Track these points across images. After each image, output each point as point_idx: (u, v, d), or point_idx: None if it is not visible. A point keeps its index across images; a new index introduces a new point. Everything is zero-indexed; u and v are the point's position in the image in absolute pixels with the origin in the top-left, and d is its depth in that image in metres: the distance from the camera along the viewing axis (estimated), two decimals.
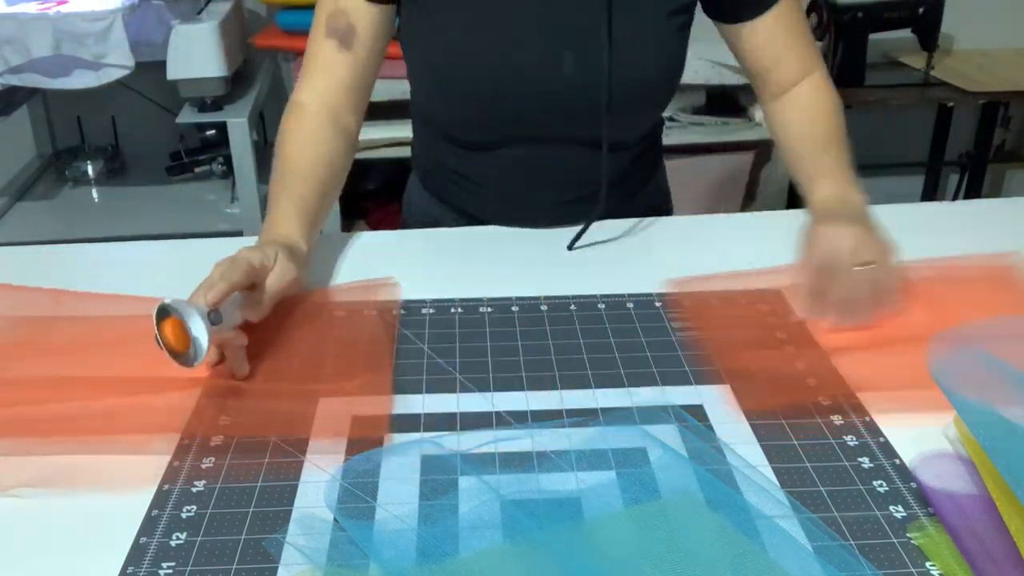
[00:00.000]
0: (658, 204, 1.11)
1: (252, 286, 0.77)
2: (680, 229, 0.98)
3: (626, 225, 1.00)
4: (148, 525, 0.58)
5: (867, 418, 0.68)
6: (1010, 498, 0.55)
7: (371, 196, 2.39)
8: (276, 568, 0.54)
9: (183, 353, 0.69)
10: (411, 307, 0.84)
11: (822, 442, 0.65)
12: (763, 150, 2.39)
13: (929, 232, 1.00)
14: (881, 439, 0.65)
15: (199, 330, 0.68)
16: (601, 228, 0.98)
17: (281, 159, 0.95)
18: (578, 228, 0.96)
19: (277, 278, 0.79)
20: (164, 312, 0.68)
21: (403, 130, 2.04)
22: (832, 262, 0.81)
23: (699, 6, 0.98)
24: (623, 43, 0.91)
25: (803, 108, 1.04)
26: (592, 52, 0.91)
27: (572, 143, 0.97)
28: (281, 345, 0.77)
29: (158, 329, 0.68)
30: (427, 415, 0.68)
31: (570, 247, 0.94)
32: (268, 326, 0.78)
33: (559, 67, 0.92)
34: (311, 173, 0.94)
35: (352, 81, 0.97)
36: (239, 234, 1.94)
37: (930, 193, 2.69)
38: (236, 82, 2.04)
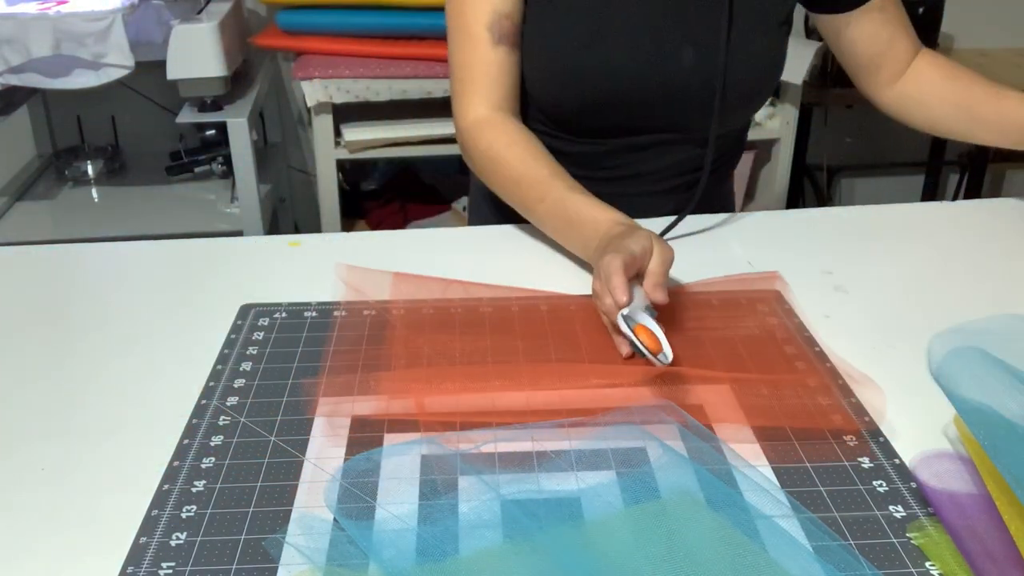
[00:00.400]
0: (726, 201, 1.17)
1: (636, 275, 0.78)
2: (680, 229, 0.98)
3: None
4: (148, 525, 0.58)
5: (867, 418, 0.68)
6: (1010, 498, 0.55)
7: (371, 196, 2.40)
8: (276, 568, 0.54)
9: (658, 354, 0.73)
10: (412, 307, 0.84)
11: (822, 442, 0.65)
12: (763, 150, 2.39)
13: (929, 232, 1.01)
14: (881, 439, 0.65)
15: (659, 330, 0.74)
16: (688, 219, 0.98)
17: (519, 170, 0.92)
18: (659, 221, 0.98)
19: (660, 255, 0.79)
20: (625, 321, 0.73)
21: (403, 130, 2.05)
22: None
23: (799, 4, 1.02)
24: (740, 46, 0.96)
25: (938, 70, 1.05)
26: (710, 52, 0.95)
27: (679, 134, 1.01)
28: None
29: (636, 336, 0.72)
30: (427, 415, 0.68)
31: (661, 234, 0.94)
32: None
33: (678, 66, 0.96)
34: (556, 171, 0.92)
35: (518, 84, 0.99)
36: (239, 234, 1.94)
37: (930, 193, 2.69)
38: (236, 82, 2.04)
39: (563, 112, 1.01)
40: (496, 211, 1.08)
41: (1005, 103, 1.00)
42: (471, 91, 0.96)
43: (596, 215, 0.86)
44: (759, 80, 1.01)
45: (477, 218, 1.16)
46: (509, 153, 0.93)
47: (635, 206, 0.99)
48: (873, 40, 1.04)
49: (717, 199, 1.12)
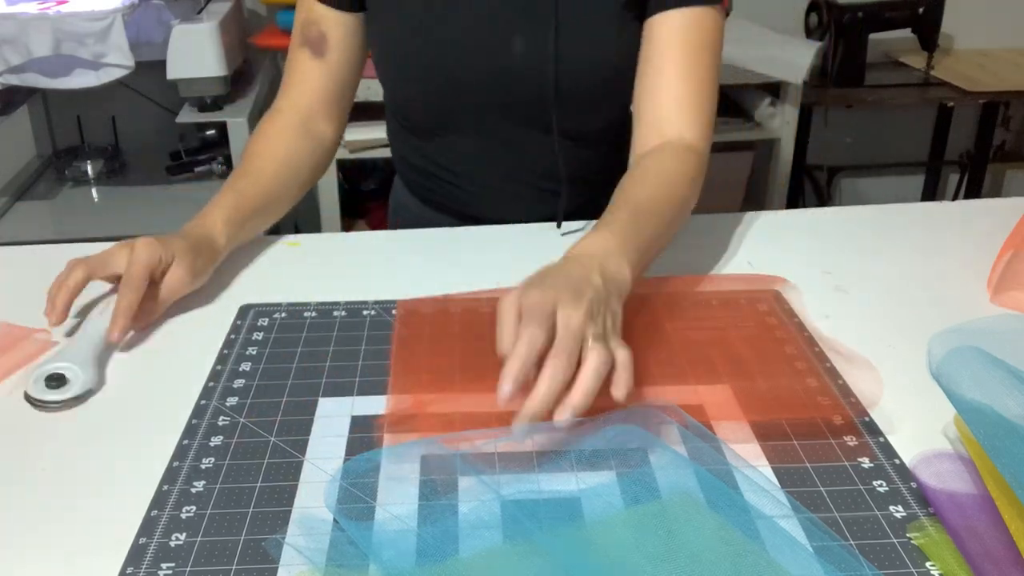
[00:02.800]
0: None
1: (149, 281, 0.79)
2: (680, 229, 0.98)
3: None
4: (147, 525, 0.58)
5: (867, 418, 0.68)
6: (1010, 498, 0.55)
7: (371, 196, 2.40)
8: (276, 568, 0.54)
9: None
10: (412, 307, 0.84)
11: (822, 442, 0.65)
12: (763, 149, 2.39)
13: (929, 232, 1.01)
14: (881, 439, 0.65)
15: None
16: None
17: (242, 158, 0.97)
18: (571, 223, 0.98)
19: (170, 278, 0.81)
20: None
21: None
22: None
23: None
24: (571, 31, 0.91)
25: (638, 167, 0.89)
26: (541, 38, 0.91)
27: (528, 129, 0.98)
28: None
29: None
30: (427, 415, 0.68)
31: (561, 231, 0.95)
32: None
33: (509, 52, 0.93)
34: (263, 171, 0.95)
35: (326, 88, 1.00)
36: None
37: (930, 193, 2.69)
38: (236, 82, 2.04)
39: (409, 108, 1.02)
40: (414, 214, 1.11)
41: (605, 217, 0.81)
42: (283, 84, 1.02)
43: (204, 215, 0.89)
44: (597, 69, 0.94)
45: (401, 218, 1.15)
46: (255, 140, 0.98)
47: (515, 208, 1.02)
48: (644, 71, 0.91)
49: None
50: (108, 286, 0.83)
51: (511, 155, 1.01)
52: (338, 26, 0.98)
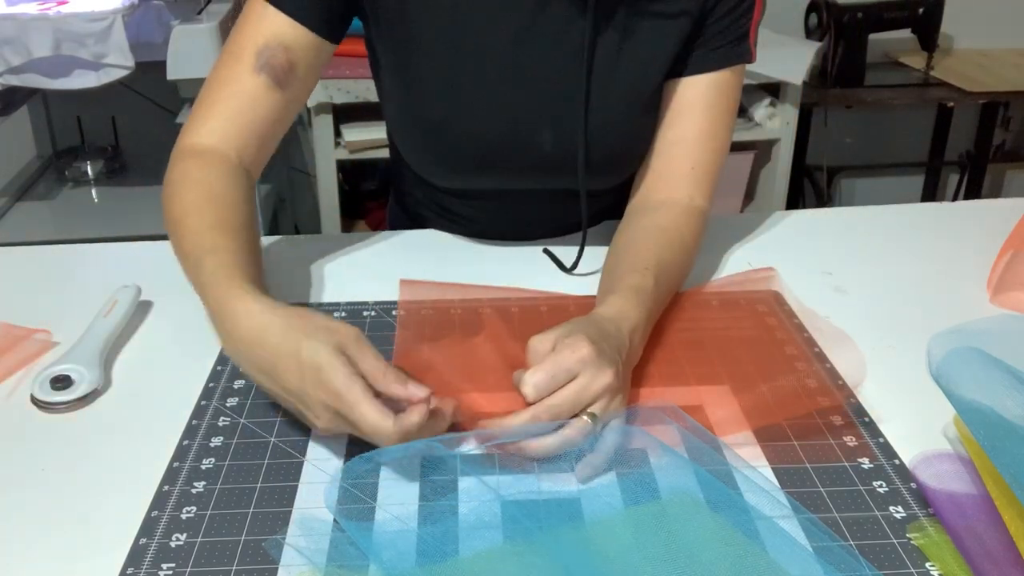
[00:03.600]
0: None
1: None
2: None
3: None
4: (148, 526, 0.58)
5: (866, 419, 0.68)
6: (1010, 498, 0.55)
7: (371, 196, 2.40)
8: (276, 569, 0.54)
9: None
10: (410, 307, 0.84)
11: (822, 442, 0.65)
12: (763, 150, 2.39)
13: (929, 232, 1.01)
14: (881, 439, 0.65)
15: None
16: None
17: (211, 209, 0.77)
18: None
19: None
20: None
21: None
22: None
23: None
24: (599, 124, 0.87)
25: (657, 224, 0.87)
26: (569, 129, 0.87)
27: (554, 193, 0.94)
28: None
29: None
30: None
31: (571, 270, 0.91)
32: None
33: (539, 149, 0.88)
34: (249, 236, 0.78)
35: (277, 124, 0.85)
36: None
37: (930, 193, 2.69)
38: None
39: (426, 172, 0.94)
40: (408, 217, 1.07)
41: (614, 280, 0.79)
42: (207, 114, 0.83)
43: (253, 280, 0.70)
44: (624, 154, 0.91)
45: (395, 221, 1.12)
46: (187, 189, 0.79)
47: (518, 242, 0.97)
48: (668, 127, 0.89)
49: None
50: (110, 287, 0.83)
51: (531, 212, 0.98)
52: (309, 53, 0.83)
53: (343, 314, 0.83)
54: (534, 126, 0.88)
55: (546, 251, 0.94)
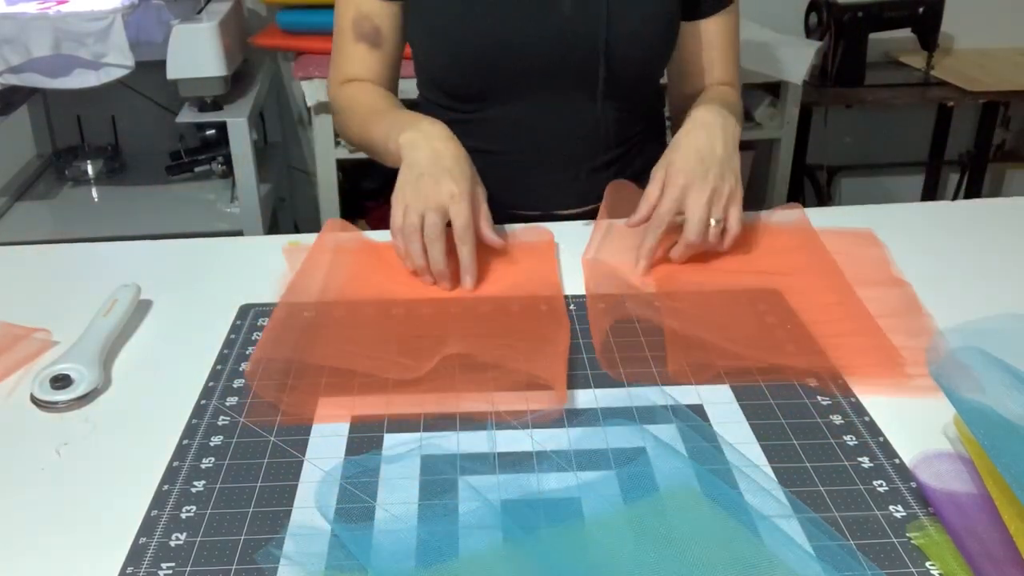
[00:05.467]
0: None
1: None
2: None
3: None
4: (147, 525, 0.58)
5: (867, 418, 0.68)
6: (1010, 498, 0.55)
7: (371, 196, 2.40)
8: (276, 568, 0.54)
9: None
10: (412, 306, 0.84)
11: (822, 442, 0.65)
12: (763, 150, 2.39)
13: (929, 232, 1.01)
14: (881, 439, 0.65)
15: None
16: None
17: (368, 102, 1.04)
18: (576, 214, 1.04)
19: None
20: None
21: None
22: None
23: None
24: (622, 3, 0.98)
25: (711, 94, 1.07)
26: (591, 3, 0.97)
27: (572, 94, 1.02)
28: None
29: None
30: (427, 415, 0.68)
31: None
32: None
33: (559, 12, 0.97)
34: (396, 105, 1.04)
35: (385, 76, 1.08)
36: (239, 234, 1.94)
37: (930, 193, 2.69)
38: (236, 82, 2.04)
39: (448, 78, 1.06)
40: None
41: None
42: (339, 70, 1.08)
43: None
44: (644, 33, 1.01)
45: None
46: (364, 96, 1.05)
47: (537, 195, 1.07)
48: (696, 58, 1.08)
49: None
50: (110, 287, 0.83)
51: (552, 124, 1.04)
52: (388, 17, 1.04)
53: (343, 313, 0.83)
54: None
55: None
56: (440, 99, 1.09)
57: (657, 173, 0.90)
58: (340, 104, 1.08)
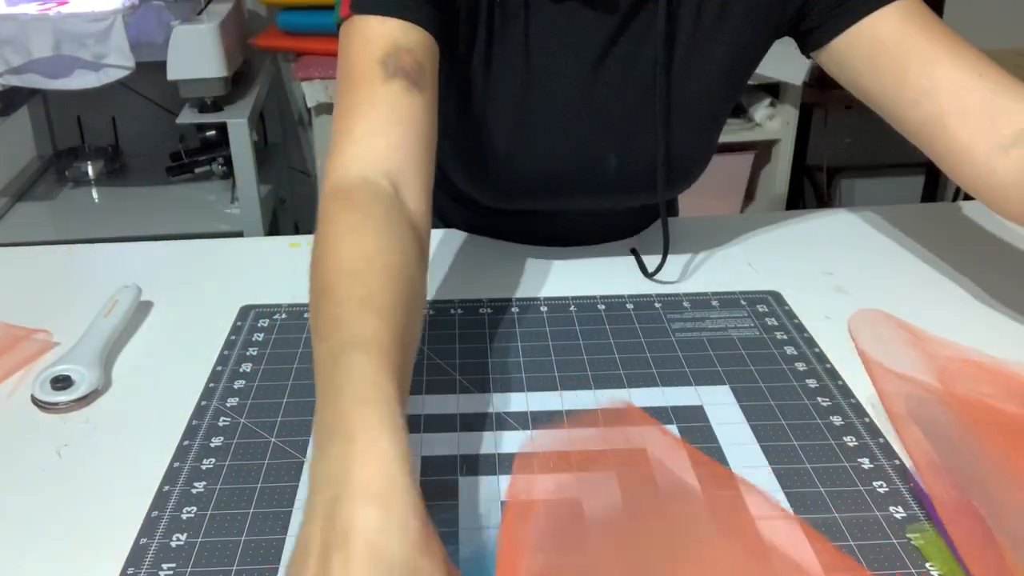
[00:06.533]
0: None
1: None
2: (680, 230, 0.98)
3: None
4: (148, 526, 0.58)
5: (867, 419, 0.68)
6: None
7: None
8: (276, 569, 0.54)
9: None
10: None
11: (822, 443, 0.65)
12: (763, 150, 2.39)
13: (929, 232, 1.01)
14: (881, 440, 0.65)
15: None
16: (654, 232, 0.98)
17: (336, 280, 0.57)
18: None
19: None
20: None
21: None
22: None
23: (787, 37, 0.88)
24: (670, 150, 0.85)
25: None
26: (637, 157, 0.86)
27: (607, 209, 0.93)
28: None
29: None
30: (427, 416, 0.68)
31: (651, 275, 0.89)
32: None
33: (605, 168, 0.87)
34: (394, 307, 0.55)
35: (426, 135, 0.70)
36: (239, 234, 1.94)
37: (930, 193, 2.69)
38: (236, 82, 2.05)
39: (481, 198, 0.90)
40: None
41: None
42: (345, 143, 0.68)
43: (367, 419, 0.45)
44: (689, 173, 0.90)
45: None
46: (338, 246, 0.60)
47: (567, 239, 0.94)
48: (907, 75, 0.77)
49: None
50: (110, 287, 0.83)
51: (590, 225, 0.95)
52: (429, 54, 0.73)
53: None
54: (600, 151, 0.85)
55: (633, 251, 0.93)
56: (448, 197, 0.94)
57: None
58: (320, 228, 0.64)
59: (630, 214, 0.97)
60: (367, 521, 0.40)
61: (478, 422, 0.67)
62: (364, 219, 0.62)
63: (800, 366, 0.74)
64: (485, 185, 0.88)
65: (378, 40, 0.71)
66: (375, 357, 0.49)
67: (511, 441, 0.65)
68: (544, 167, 0.86)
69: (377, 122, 0.68)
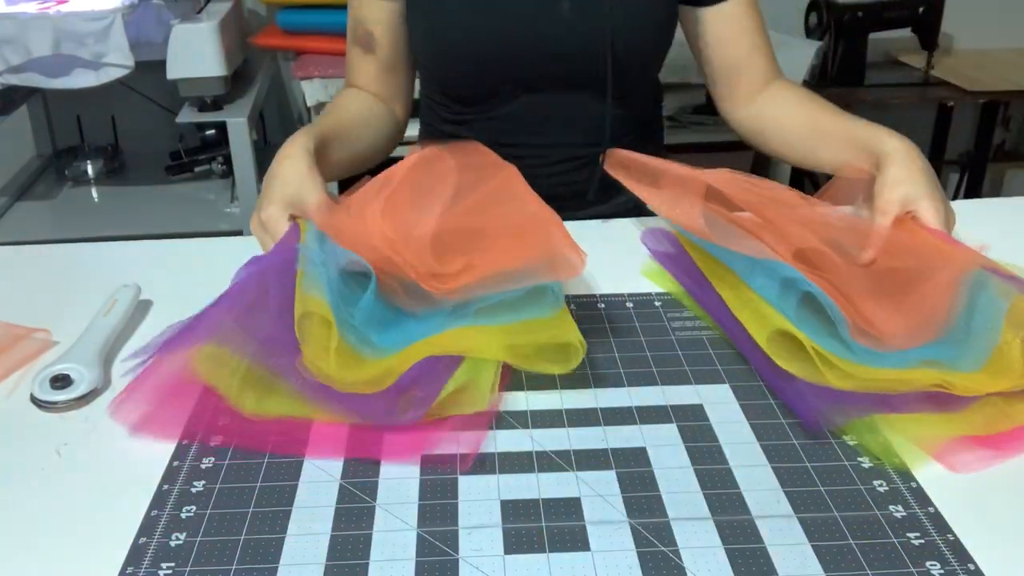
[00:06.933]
0: None
1: None
2: None
3: (626, 225, 1.00)
4: (147, 525, 0.58)
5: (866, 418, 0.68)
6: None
7: None
8: (276, 568, 0.54)
9: None
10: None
11: (821, 441, 0.65)
12: None
13: None
14: (880, 439, 0.65)
15: None
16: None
17: (329, 109, 1.06)
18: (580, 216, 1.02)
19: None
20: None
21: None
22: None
23: None
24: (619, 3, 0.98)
25: (791, 95, 1.04)
26: (590, 5, 0.97)
27: (579, 94, 1.02)
28: None
29: None
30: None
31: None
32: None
33: (561, 20, 0.98)
34: (342, 113, 1.04)
35: (381, 79, 1.09)
36: (239, 234, 1.94)
37: None
38: (236, 82, 2.04)
39: (452, 82, 1.07)
40: None
41: (850, 122, 0.97)
42: (344, 82, 1.12)
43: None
44: (648, 30, 1.01)
45: None
46: (334, 104, 1.08)
47: (545, 183, 1.01)
48: (728, 50, 1.04)
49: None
50: (110, 287, 0.83)
51: (557, 121, 1.05)
52: (382, 21, 1.05)
53: None
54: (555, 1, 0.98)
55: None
56: (440, 99, 1.10)
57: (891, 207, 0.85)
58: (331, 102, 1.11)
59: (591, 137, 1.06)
60: (278, 159, 0.89)
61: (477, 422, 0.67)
62: (346, 95, 1.09)
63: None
64: (451, 62, 1.04)
65: (351, 11, 1.08)
66: (313, 126, 0.94)
67: (511, 440, 0.65)
68: (500, 13, 0.99)
69: (353, 73, 1.11)
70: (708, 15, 1.04)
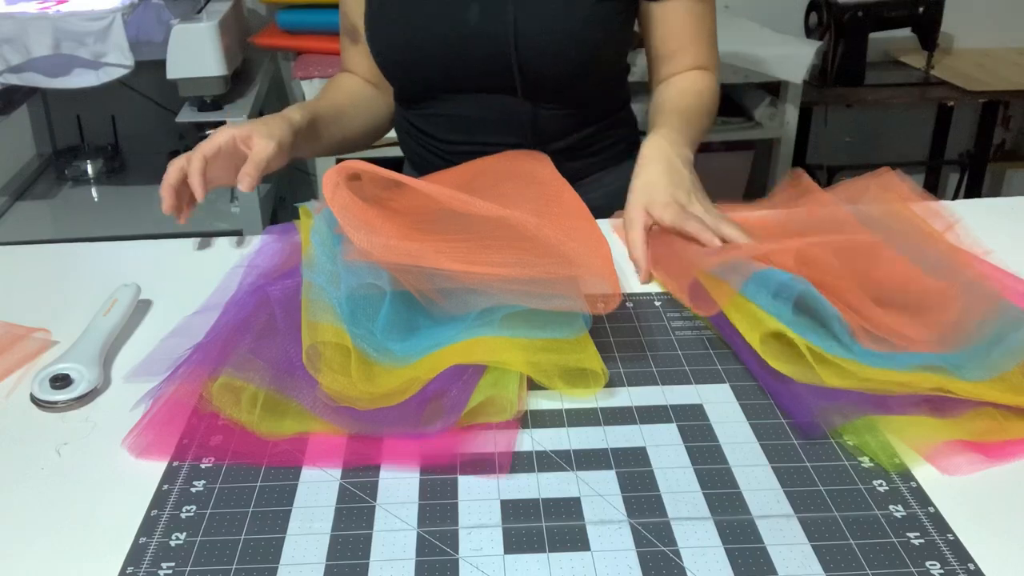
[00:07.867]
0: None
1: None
2: None
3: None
4: (147, 525, 0.58)
5: None
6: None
7: None
8: (276, 568, 0.54)
9: None
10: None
11: (821, 441, 0.65)
12: (763, 149, 2.39)
13: None
14: (880, 438, 0.65)
15: None
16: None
17: (320, 92, 1.17)
18: None
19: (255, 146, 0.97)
20: None
21: None
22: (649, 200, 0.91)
23: None
24: (525, 6, 1.00)
25: (681, 85, 1.09)
26: (497, 3, 1.00)
27: (498, 94, 1.05)
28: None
29: None
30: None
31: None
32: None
33: (466, 18, 1.02)
34: (334, 93, 1.16)
35: (370, 64, 1.14)
36: (239, 234, 1.94)
37: (930, 192, 2.69)
38: (236, 81, 2.04)
39: (391, 79, 1.12)
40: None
41: (663, 117, 1.02)
42: (342, 64, 1.21)
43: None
44: (554, 40, 1.01)
45: None
46: (325, 87, 1.19)
47: None
48: (667, 41, 1.08)
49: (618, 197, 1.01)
50: (110, 286, 0.83)
51: (487, 119, 1.08)
52: (361, 14, 1.10)
53: None
54: (463, 2, 1.02)
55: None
56: (395, 95, 1.17)
57: (636, 219, 0.90)
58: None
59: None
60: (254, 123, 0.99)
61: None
62: (337, 79, 1.20)
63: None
64: (387, 61, 1.09)
65: (340, 8, 1.16)
66: (305, 103, 1.09)
67: (511, 440, 0.65)
68: (412, 17, 1.04)
69: (345, 64, 1.20)
70: (659, 8, 1.07)
